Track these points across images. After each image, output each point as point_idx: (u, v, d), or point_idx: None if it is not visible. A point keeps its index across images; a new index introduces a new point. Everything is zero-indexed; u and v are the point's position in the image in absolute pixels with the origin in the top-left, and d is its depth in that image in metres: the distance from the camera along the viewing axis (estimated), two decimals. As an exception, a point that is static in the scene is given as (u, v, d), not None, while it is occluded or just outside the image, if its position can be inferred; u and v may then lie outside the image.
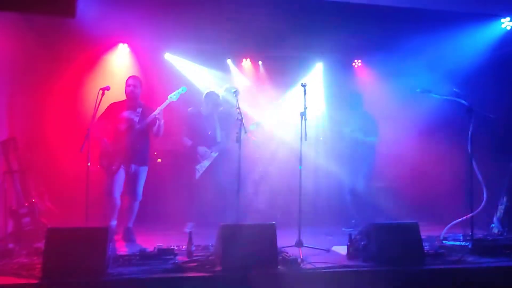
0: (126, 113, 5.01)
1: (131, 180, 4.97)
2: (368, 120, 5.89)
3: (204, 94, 5.76)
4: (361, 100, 5.98)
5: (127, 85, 5.04)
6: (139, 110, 5.02)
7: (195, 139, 5.57)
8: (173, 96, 4.95)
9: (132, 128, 4.95)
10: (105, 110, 5.02)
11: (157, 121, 4.90)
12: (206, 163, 5.55)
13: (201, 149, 5.54)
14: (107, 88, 4.63)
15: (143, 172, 5.05)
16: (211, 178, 5.53)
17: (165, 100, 4.95)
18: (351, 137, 5.73)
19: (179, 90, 5.00)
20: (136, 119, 4.98)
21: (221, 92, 5.86)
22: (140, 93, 5.09)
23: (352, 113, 5.90)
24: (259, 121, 6.09)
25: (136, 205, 5.01)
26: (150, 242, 4.29)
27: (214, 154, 5.59)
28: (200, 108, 5.72)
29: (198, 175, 5.51)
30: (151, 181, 5.28)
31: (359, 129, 5.76)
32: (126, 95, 5.07)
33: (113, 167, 4.84)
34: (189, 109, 5.72)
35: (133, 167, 4.95)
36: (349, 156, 5.81)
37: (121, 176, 4.90)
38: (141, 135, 4.99)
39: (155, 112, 4.90)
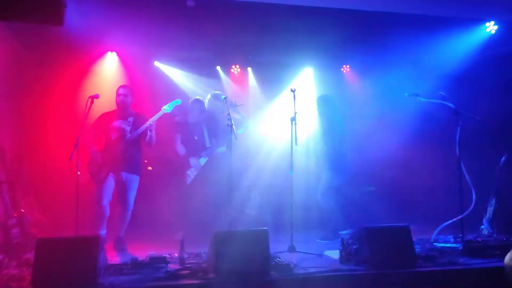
0: (117, 122, 4.99)
1: (122, 188, 4.93)
2: (329, 126, 5.56)
3: (189, 102, 5.77)
4: (328, 104, 5.68)
5: (118, 94, 5.03)
6: (130, 119, 5.01)
7: (186, 145, 5.57)
8: (166, 108, 4.95)
9: (123, 137, 4.94)
10: (96, 119, 5.00)
11: (148, 132, 4.89)
12: (197, 168, 5.56)
13: (193, 160, 5.54)
14: (96, 97, 4.61)
15: (135, 181, 5.02)
16: (202, 185, 5.52)
17: (158, 110, 4.95)
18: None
19: (174, 102, 5.01)
20: (128, 128, 4.96)
21: (207, 98, 5.88)
22: (131, 102, 5.08)
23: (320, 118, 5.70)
24: (246, 123, 6.03)
25: (128, 214, 4.96)
26: (141, 251, 4.26)
27: (204, 159, 5.58)
28: (186, 116, 5.72)
29: (189, 180, 5.50)
30: (142, 188, 5.24)
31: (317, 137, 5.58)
32: (117, 104, 5.05)
33: (101, 175, 4.81)
34: (176, 118, 5.72)
35: (123, 175, 4.92)
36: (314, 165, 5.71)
37: (110, 185, 4.87)
38: (132, 144, 4.97)
39: (148, 123, 4.88)
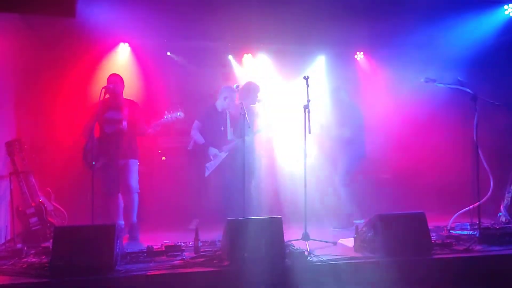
0: (110, 114, 4.96)
1: (123, 174, 4.96)
2: (346, 114, 5.59)
3: (221, 89, 5.68)
4: (343, 94, 5.77)
5: (108, 82, 4.93)
6: (125, 110, 4.97)
7: (208, 135, 5.53)
8: (169, 116, 4.95)
9: (117, 131, 4.92)
10: (91, 108, 4.97)
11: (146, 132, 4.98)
12: (216, 162, 5.53)
13: (212, 150, 5.51)
14: (109, 87, 4.64)
15: (134, 165, 5.02)
16: (218, 175, 5.51)
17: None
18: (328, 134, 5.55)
19: (177, 114, 4.97)
20: (122, 121, 4.92)
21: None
22: (122, 89, 5.04)
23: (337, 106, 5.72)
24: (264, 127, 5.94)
25: (134, 197, 4.98)
26: (157, 239, 4.30)
27: (224, 155, 5.56)
28: (214, 102, 5.68)
29: (207, 173, 5.49)
30: (157, 178, 5.29)
31: (334, 123, 5.57)
32: (108, 93, 4.91)
33: (96, 165, 4.72)
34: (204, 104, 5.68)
35: (121, 162, 4.95)
36: (329, 152, 5.72)
37: (111, 174, 4.90)
38: (126, 134, 4.96)
39: (152, 128, 4.93)
